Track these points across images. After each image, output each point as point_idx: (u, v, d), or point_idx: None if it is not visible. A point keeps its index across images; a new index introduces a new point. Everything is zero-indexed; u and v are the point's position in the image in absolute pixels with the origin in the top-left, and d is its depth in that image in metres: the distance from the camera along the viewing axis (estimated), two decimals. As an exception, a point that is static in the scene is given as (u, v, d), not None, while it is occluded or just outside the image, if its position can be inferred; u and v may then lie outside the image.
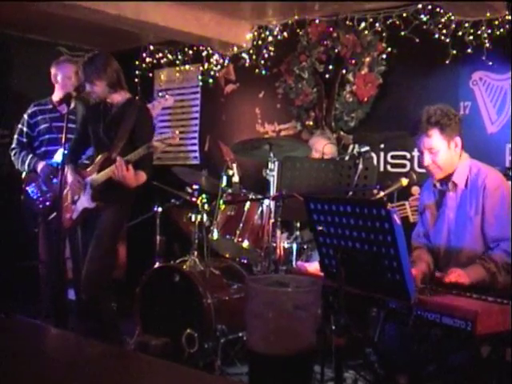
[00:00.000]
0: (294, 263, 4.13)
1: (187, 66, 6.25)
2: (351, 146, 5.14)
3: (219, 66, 6.07)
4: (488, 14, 4.50)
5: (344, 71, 5.21)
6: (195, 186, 4.47)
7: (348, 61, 5.16)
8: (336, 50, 5.24)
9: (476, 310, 2.31)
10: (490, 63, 4.54)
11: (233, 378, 3.77)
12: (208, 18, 5.45)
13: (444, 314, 2.39)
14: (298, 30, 5.45)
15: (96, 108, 3.97)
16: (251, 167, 5.14)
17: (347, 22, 5.16)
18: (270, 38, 5.66)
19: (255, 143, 4.28)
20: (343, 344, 2.37)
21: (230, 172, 4.34)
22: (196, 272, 4.14)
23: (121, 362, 1.76)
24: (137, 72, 6.38)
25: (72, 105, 4.50)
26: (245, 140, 4.61)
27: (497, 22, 4.49)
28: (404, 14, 4.89)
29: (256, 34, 5.75)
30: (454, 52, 4.67)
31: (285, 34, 5.56)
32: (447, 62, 4.69)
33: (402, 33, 4.88)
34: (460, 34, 4.64)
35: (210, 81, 6.14)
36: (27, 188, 4.52)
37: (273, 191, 3.99)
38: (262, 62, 5.72)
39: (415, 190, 3.95)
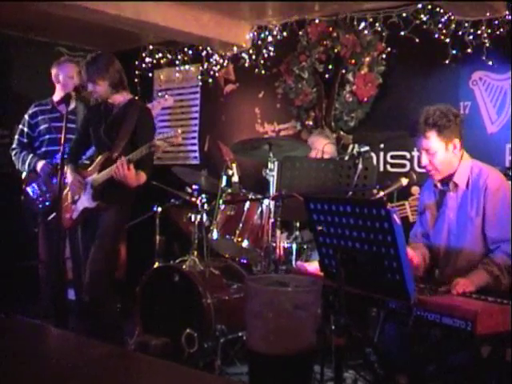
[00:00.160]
0: (293, 263, 4.13)
1: (187, 66, 6.25)
2: (351, 146, 5.12)
3: (219, 66, 6.07)
4: (488, 14, 4.50)
5: (344, 71, 5.21)
6: (195, 186, 4.47)
7: (348, 61, 5.15)
8: (336, 50, 5.23)
9: (476, 310, 2.31)
10: (490, 63, 4.54)
11: (232, 378, 3.77)
12: (208, 18, 5.45)
13: (444, 314, 2.39)
14: (298, 30, 5.45)
15: (97, 108, 3.98)
16: (251, 167, 5.14)
17: (347, 22, 5.16)
18: (270, 38, 5.65)
19: (255, 143, 4.28)
20: (343, 344, 2.37)
21: (230, 172, 4.34)
22: (196, 272, 4.14)
23: (121, 361, 1.76)
24: (136, 72, 6.38)
25: (73, 105, 4.51)
26: (244, 140, 4.61)
27: (497, 22, 4.49)
28: (404, 14, 4.88)
29: (256, 34, 5.75)
30: (454, 52, 4.67)
31: (284, 33, 5.56)
32: (447, 61, 4.69)
33: (402, 33, 4.88)
34: (460, 33, 4.64)
35: (210, 81, 6.15)
36: (27, 188, 4.52)
37: (272, 191, 3.99)
38: (262, 61, 5.72)
39: (415, 189, 3.95)
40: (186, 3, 5.19)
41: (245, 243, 4.06)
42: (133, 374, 1.68)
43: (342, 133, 5.23)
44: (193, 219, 4.35)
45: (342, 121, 5.21)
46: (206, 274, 4.15)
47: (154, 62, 6.40)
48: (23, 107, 4.72)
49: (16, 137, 4.62)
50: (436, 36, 4.73)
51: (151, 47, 6.38)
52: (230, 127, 6.07)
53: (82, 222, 3.98)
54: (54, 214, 4.15)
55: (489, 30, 4.52)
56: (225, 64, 6.04)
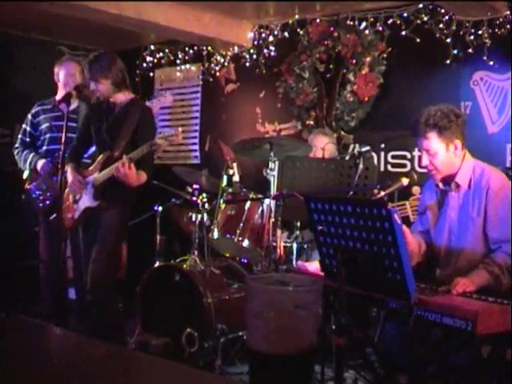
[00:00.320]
0: (294, 263, 4.13)
1: (188, 66, 6.25)
2: (352, 146, 5.12)
3: (220, 66, 6.07)
4: (489, 14, 4.50)
5: (345, 71, 5.21)
6: (196, 186, 4.47)
7: (349, 60, 5.15)
8: (337, 50, 5.24)
9: (476, 310, 2.31)
10: (491, 63, 4.54)
11: (233, 378, 3.77)
12: (209, 17, 5.45)
13: (444, 314, 2.39)
14: (299, 30, 5.44)
15: (99, 107, 3.98)
16: (252, 167, 5.14)
17: (348, 22, 5.15)
18: (271, 38, 5.65)
19: (256, 143, 4.28)
20: (343, 344, 2.37)
21: (231, 171, 4.34)
22: (196, 271, 4.14)
23: (121, 361, 1.76)
24: (137, 71, 6.38)
25: (75, 104, 4.52)
26: (245, 139, 4.61)
27: (498, 22, 4.49)
28: (405, 14, 4.88)
29: (257, 33, 5.75)
30: (455, 52, 4.67)
31: (285, 33, 5.56)
32: (448, 61, 4.69)
33: (403, 32, 4.88)
34: (461, 33, 4.64)
35: (211, 80, 6.15)
36: (29, 187, 4.52)
37: (273, 191, 3.99)
38: (263, 61, 5.72)
39: (416, 189, 3.95)
40: (187, 3, 5.19)
41: (245, 243, 4.06)
42: (133, 373, 1.68)
43: (342, 133, 5.24)
44: (193, 219, 4.35)
45: (343, 120, 5.21)
46: (206, 273, 4.15)
47: (155, 61, 6.40)
48: (24, 106, 4.72)
49: (19, 136, 4.64)
50: (437, 36, 4.72)
51: (152, 47, 6.38)
52: (231, 127, 6.07)
53: (83, 222, 3.98)
54: (55, 215, 4.15)
55: (490, 30, 4.52)
56: (226, 63, 6.04)
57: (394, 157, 5.02)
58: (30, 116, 4.61)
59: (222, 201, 4.21)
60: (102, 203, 3.85)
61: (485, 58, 4.53)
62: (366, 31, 5.06)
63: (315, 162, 4.20)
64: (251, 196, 4.15)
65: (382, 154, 5.06)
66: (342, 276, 2.44)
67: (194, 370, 1.74)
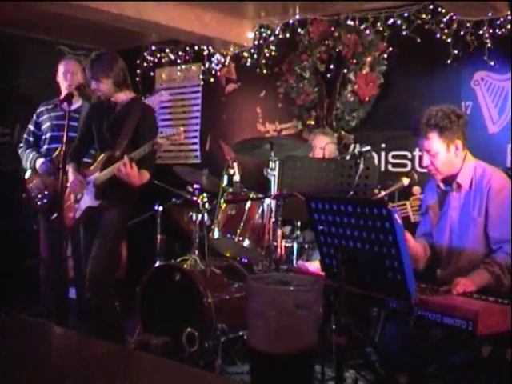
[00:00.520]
0: (294, 262, 4.13)
1: (188, 65, 6.25)
2: (352, 146, 5.13)
3: (220, 65, 6.07)
4: (490, 14, 4.50)
5: (345, 71, 5.21)
6: (196, 185, 4.47)
7: (349, 60, 5.15)
8: (337, 50, 5.24)
9: (477, 310, 2.32)
10: (492, 63, 4.54)
11: (233, 377, 3.77)
12: (209, 17, 5.45)
13: (445, 313, 2.39)
14: (300, 30, 5.45)
15: (100, 106, 3.98)
16: (252, 166, 5.14)
17: (349, 22, 5.15)
18: (272, 38, 5.65)
19: (256, 142, 4.28)
20: (344, 343, 2.37)
21: (231, 171, 4.34)
22: (197, 271, 4.14)
23: (122, 360, 1.76)
24: (138, 71, 6.38)
25: (79, 104, 4.52)
26: (246, 139, 4.61)
27: (498, 22, 4.49)
28: (405, 14, 4.89)
29: (257, 33, 5.75)
30: (456, 52, 4.67)
31: (286, 33, 5.56)
32: (449, 61, 4.69)
33: (404, 32, 4.88)
34: (461, 33, 4.64)
35: (212, 80, 6.15)
36: (29, 186, 4.53)
37: (274, 190, 3.99)
38: (264, 61, 5.72)
39: (416, 189, 3.95)
40: (188, 2, 5.19)
41: (246, 242, 4.06)
42: (133, 372, 1.68)
43: (343, 132, 5.24)
44: (194, 218, 4.35)
45: (344, 120, 5.21)
46: (207, 273, 4.15)
47: (156, 60, 6.40)
48: (24, 106, 4.73)
49: (24, 136, 4.69)
50: (438, 36, 4.73)
51: (153, 46, 6.38)
52: (232, 126, 6.07)
53: (84, 221, 3.98)
54: (56, 214, 4.15)
55: (490, 30, 4.52)
56: (226, 63, 6.04)
57: (394, 157, 5.02)
58: (34, 116, 4.64)
59: (222, 200, 4.21)
60: (103, 203, 3.86)
61: (485, 58, 4.53)
62: (367, 31, 5.07)
63: (316, 161, 4.20)
64: (252, 196, 4.15)
65: (383, 153, 5.06)
66: (343, 276, 2.44)
67: (195, 370, 1.74)
